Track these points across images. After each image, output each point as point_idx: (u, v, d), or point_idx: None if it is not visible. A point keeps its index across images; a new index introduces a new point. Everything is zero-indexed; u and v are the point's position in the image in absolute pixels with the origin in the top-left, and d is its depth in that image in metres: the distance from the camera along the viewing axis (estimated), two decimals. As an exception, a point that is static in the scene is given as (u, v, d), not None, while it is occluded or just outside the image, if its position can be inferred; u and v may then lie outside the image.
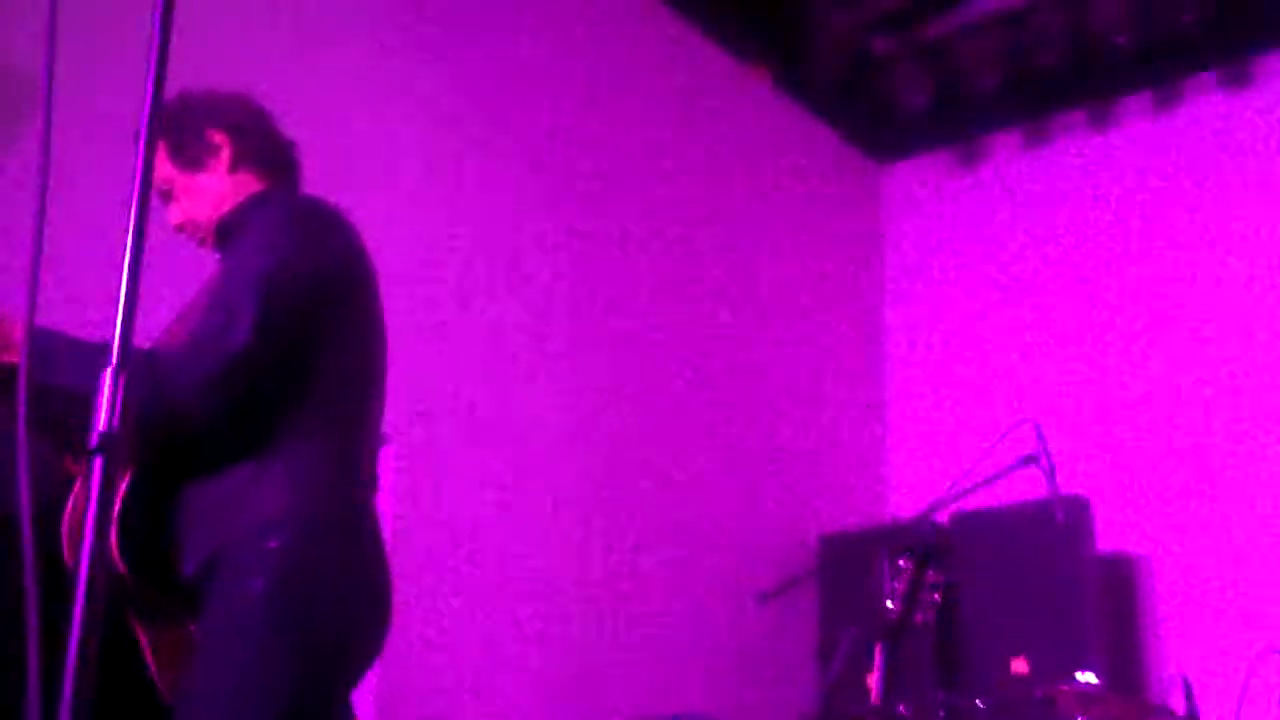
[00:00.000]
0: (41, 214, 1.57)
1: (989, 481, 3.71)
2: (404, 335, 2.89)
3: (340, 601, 2.37)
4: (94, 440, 1.53)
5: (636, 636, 5.09)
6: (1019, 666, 4.61)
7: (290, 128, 2.77)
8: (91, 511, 1.50)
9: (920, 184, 6.86)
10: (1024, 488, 4.36)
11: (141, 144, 1.58)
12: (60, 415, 1.86)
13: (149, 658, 2.50)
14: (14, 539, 1.51)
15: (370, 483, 2.53)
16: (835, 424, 6.33)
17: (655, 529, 5.28)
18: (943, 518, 4.87)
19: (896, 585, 2.73)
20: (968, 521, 5.10)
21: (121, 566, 2.34)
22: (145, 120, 1.58)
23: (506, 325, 5.04)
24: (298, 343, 2.42)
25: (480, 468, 4.80)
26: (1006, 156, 6.59)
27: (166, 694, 2.46)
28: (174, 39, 1.62)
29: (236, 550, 2.33)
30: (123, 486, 2.37)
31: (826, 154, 6.73)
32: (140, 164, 1.57)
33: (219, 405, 2.34)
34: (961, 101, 6.32)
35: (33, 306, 1.65)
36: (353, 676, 2.46)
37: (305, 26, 4.50)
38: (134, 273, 1.56)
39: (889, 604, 2.73)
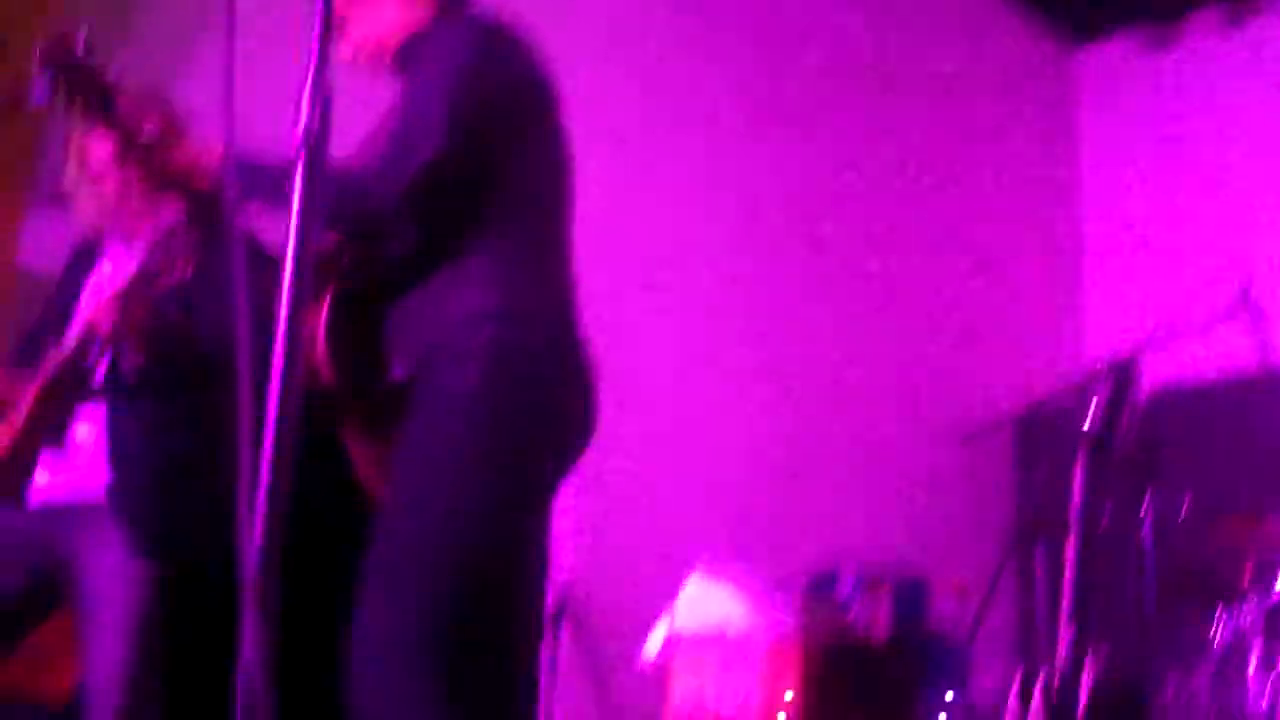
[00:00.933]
0: (230, 36, 1.57)
1: (1194, 332, 3.66)
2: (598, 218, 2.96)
3: (551, 389, 2.37)
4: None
5: (842, 480, 5.33)
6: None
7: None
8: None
9: (1115, 65, 6.77)
10: (1223, 359, 4.35)
11: None
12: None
13: (361, 472, 2.53)
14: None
15: (571, 282, 2.52)
16: (1032, 301, 6.38)
17: (865, 381, 5.50)
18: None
19: (1096, 401, 2.83)
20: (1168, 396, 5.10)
21: (331, 375, 2.38)
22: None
23: (698, 203, 5.24)
24: (489, 145, 2.40)
25: (676, 328, 5.04)
26: (1204, 34, 6.47)
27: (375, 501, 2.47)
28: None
29: (446, 346, 2.34)
30: (327, 301, 2.41)
31: (1019, 37, 6.70)
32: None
33: (417, 207, 2.35)
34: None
35: (232, 133, 1.63)
36: (562, 466, 2.45)
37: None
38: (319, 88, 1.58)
39: (1088, 420, 2.84)
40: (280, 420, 1.51)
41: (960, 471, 5.56)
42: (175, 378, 3.02)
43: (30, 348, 3.16)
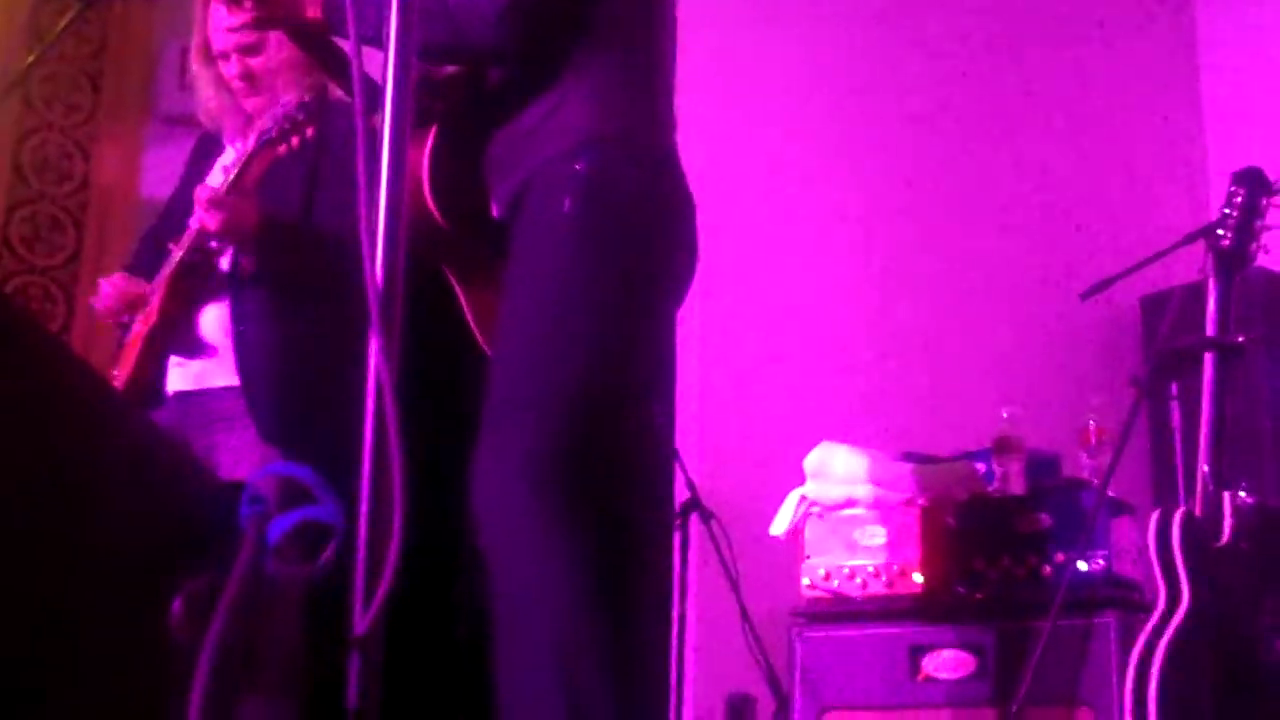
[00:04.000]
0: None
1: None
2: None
3: (648, 216, 2.35)
4: None
5: (971, 351, 5.33)
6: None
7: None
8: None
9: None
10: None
11: None
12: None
13: (470, 318, 2.53)
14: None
15: (671, 108, 2.48)
16: (1153, 175, 6.25)
17: (990, 252, 5.53)
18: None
19: (1230, 214, 2.76)
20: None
21: (437, 214, 2.37)
22: None
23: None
24: None
25: (802, 206, 5.04)
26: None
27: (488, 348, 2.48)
28: None
29: (543, 176, 2.32)
30: (429, 141, 2.39)
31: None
32: None
33: (517, 31, 2.31)
34: None
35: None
36: (669, 289, 2.43)
37: None
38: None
39: (1221, 233, 2.77)
40: (388, 274, 1.48)
41: (1089, 327, 5.49)
42: (293, 269, 3.07)
43: (157, 243, 3.23)
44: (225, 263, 3.11)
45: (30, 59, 3.66)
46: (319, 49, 2.58)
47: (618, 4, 2.42)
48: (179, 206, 3.23)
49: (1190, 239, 3.12)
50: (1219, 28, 6.53)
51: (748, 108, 5.12)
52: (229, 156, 3.17)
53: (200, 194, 2.94)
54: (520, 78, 2.40)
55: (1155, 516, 2.99)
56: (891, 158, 5.43)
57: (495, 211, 2.42)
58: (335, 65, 2.63)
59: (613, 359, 2.29)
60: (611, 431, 2.27)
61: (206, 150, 3.32)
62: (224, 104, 3.19)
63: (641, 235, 2.32)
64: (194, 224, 3.00)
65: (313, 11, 2.39)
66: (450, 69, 2.52)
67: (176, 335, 3.10)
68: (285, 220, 3.06)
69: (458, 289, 2.53)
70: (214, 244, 3.04)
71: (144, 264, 3.26)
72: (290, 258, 3.07)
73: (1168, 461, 3.64)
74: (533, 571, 2.13)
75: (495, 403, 2.23)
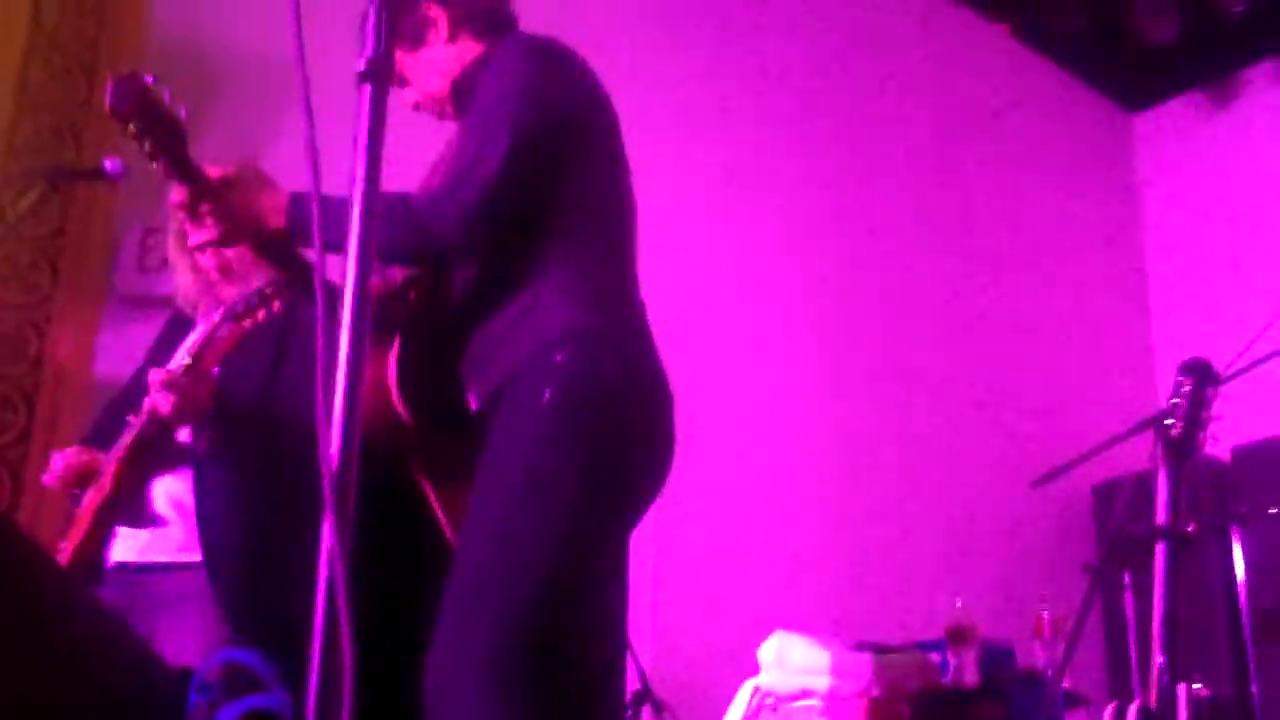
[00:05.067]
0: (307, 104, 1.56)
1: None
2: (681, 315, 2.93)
3: (627, 409, 2.34)
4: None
5: (924, 543, 5.33)
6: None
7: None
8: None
9: (1174, 125, 6.82)
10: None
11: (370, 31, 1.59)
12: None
13: (440, 513, 2.50)
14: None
15: (640, 302, 2.50)
16: (1102, 368, 6.36)
17: (940, 438, 5.57)
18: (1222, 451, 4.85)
19: (1179, 404, 2.80)
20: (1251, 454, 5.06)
21: (405, 412, 2.37)
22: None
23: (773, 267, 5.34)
24: (550, 167, 2.40)
25: (753, 395, 5.09)
26: (1262, 87, 6.50)
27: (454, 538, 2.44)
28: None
29: (522, 371, 2.32)
30: (396, 342, 2.41)
31: (1076, 103, 6.79)
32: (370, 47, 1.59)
33: (481, 234, 2.36)
34: (1211, 33, 6.18)
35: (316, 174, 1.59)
36: (643, 490, 2.41)
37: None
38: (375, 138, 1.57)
39: (1170, 422, 2.81)
40: (343, 458, 1.47)
41: (1041, 517, 5.52)
42: (252, 447, 3.06)
43: (116, 416, 3.21)
44: (184, 434, 3.09)
45: (-10, 240, 3.67)
46: (278, 255, 2.61)
47: (583, 198, 2.46)
48: (143, 381, 3.23)
49: (1139, 428, 3.16)
50: (1165, 226, 6.72)
51: (701, 286, 5.19)
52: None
53: (154, 376, 2.93)
54: (492, 275, 2.43)
55: (1110, 710, 2.96)
56: (849, 346, 5.50)
57: (474, 405, 2.43)
58: (294, 269, 2.65)
59: (576, 557, 2.28)
60: (569, 626, 2.25)
61: (176, 329, 3.33)
62: (200, 289, 3.22)
63: (619, 431, 2.33)
64: (147, 405, 2.99)
65: (275, 221, 2.40)
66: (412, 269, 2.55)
67: (130, 506, 3.07)
68: (243, 402, 3.06)
69: (426, 483, 2.51)
70: (161, 428, 3.02)
71: (102, 435, 3.24)
72: (248, 439, 3.06)
73: (1122, 652, 3.65)
74: None
75: (456, 592, 2.21)
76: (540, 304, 2.37)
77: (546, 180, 2.41)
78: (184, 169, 2.44)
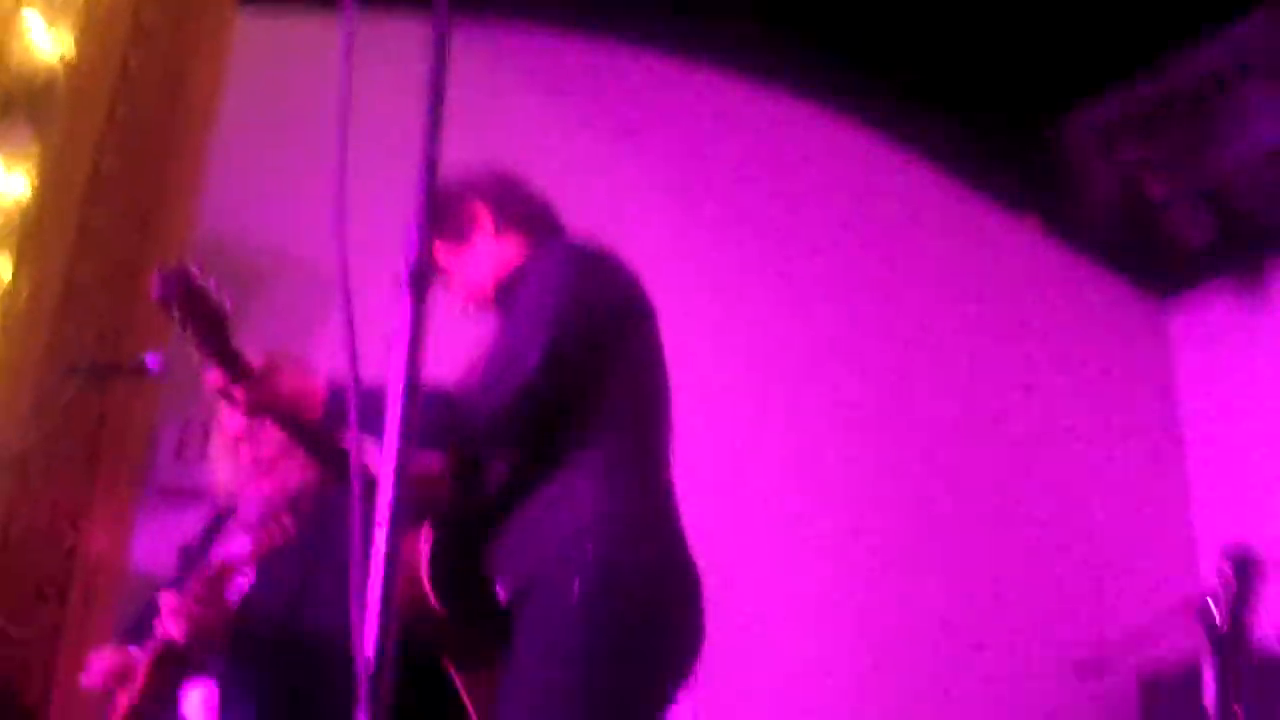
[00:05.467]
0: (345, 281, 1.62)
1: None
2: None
3: (659, 601, 2.35)
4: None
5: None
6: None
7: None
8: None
9: (1208, 318, 6.81)
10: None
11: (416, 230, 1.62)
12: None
13: (468, 703, 2.50)
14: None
15: (672, 494, 2.52)
16: (1145, 565, 6.27)
17: (978, 619, 5.51)
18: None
19: (1222, 598, 2.75)
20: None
21: (436, 604, 2.39)
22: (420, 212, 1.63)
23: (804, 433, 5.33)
24: (585, 370, 2.45)
25: (784, 561, 5.03)
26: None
27: None
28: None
29: (551, 562, 2.34)
30: (426, 532, 2.44)
31: (1108, 296, 6.81)
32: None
33: (511, 433, 2.41)
34: (1244, 237, 6.24)
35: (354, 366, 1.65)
36: (673, 680, 2.41)
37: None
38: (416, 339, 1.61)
39: (1215, 616, 2.75)
40: (379, 656, 1.47)
41: (1086, 711, 5.38)
42: (275, 668, 3.03)
43: (154, 611, 3.19)
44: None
45: (31, 437, 3.71)
46: (313, 445, 2.63)
47: (616, 395, 2.50)
48: (185, 574, 3.22)
49: (1182, 615, 3.10)
50: (1202, 404, 6.68)
51: (729, 449, 5.17)
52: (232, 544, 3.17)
53: (165, 601, 2.92)
54: (523, 466, 2.45)
55: None
56: (887, 542, 5.45)
57: (503, 595, 2.43)
58: (329, 459, 2.67)
59: None
60: None
61: (221, 521, 3.33)
62: (239, 483, 3.22)
63: (648, 621, 2.33)
64: (159, 632, 2.97)
65: (312, 410, 2.45)
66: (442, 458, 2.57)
67: (159, 712, 3.04)
68: (266, 622, 3.04)
69: (456, 675, 2.51)
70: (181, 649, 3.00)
71: (140, 629, 3.22)
72: (270, 660, 3.04)
73: None
74: None
75: None
76: (570, 493, 2.39)
77: (580, 382, 2.45)
78: (226, 356, 2.48)
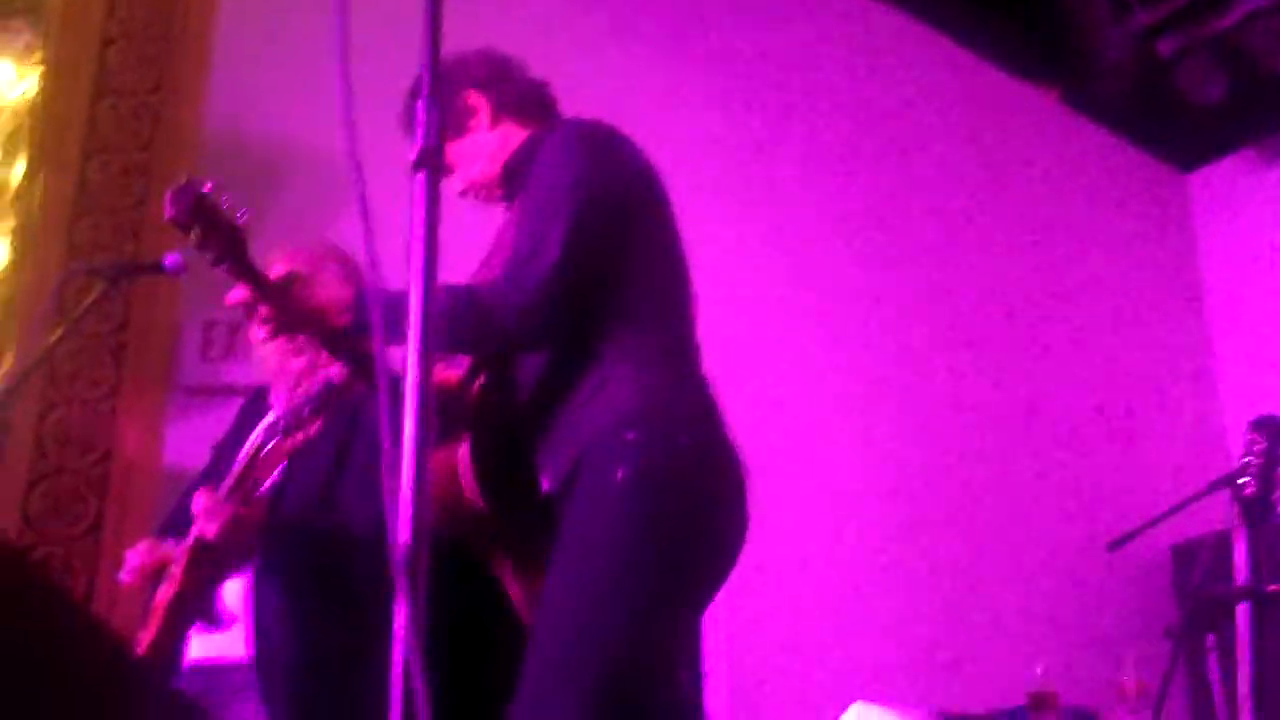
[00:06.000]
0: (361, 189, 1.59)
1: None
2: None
3: (703, 487, 2.32)
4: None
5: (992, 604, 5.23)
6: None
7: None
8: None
9: (1229, 185, 6.74)
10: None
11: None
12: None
13: (516, 597, 2.48)
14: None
15: (705, 378, 2.48)
16: (1172, 428, 6.26)
17: (1010, 501, 5.53)
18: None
19: (1251, 462, 2.74)
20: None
21: (482, 500, 2.36)
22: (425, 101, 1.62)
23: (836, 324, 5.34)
24: (607, 252, 2.41)
25: (825, 458, 5.05)
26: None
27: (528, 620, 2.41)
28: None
29: (595, 450, 2.31)
30: (468, 435, 2.38)
31: (1126, 167, 6.72)
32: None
33: (542, 325, 2.35)
34: (1259, 90, 6.10)
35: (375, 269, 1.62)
36: (716, 565, 2.38)
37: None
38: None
39: (1244, 481, 2.74)
40: (413, 546, 1.47)
41: (1120, 580, 5.41)
42: (307, 562, 3.06)
43: (190, 507, 3.22)
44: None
45: (55, 336, 3.72)
46: (343, 349, 2.60)
47: (643, 276, 2.46)
48: (220, 465, 3.23)
49: (1213, 488, 3.09)
50: (1225, 276, 6.63)
51: (768, 348, 5.17)
52: (269, 419, 3.18)
53: (198, 502, 2.93)
54: (559, 358, 2.42)
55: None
56: (918, 419, 5.45)
57: (546, 486, 2.41)
58: (359, 361, 2.63)
59: (653, 637, 2.26)
60: (647, 705, 2.22)
61: (256, 408, 3.34)
62: (274, 364, 3.22)
63: (694, 509, 2.30)
64: (193, 531, 2.99)
65: (340, 318, 2.43)
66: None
67: (199, 604, 3.07)
68: (298, 516, 3.06)
69: (500, 567, 2.49)
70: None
71: (176, 524, 3.25)
72: (303, 554, 3.05)
73: (1208, 716, 3.52)
74: None
75: (533, 674, 2.20)
76: (610, 383, 2.36)
77: (605, 265, 2.41)
78: (246, 272, 2.46)
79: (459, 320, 2.32)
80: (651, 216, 2.52)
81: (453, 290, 2.32)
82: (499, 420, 2.45)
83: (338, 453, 3.10)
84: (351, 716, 2.80)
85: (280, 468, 3.02)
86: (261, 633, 2.99)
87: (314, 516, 3.07)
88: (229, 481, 2.96)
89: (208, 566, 3.04)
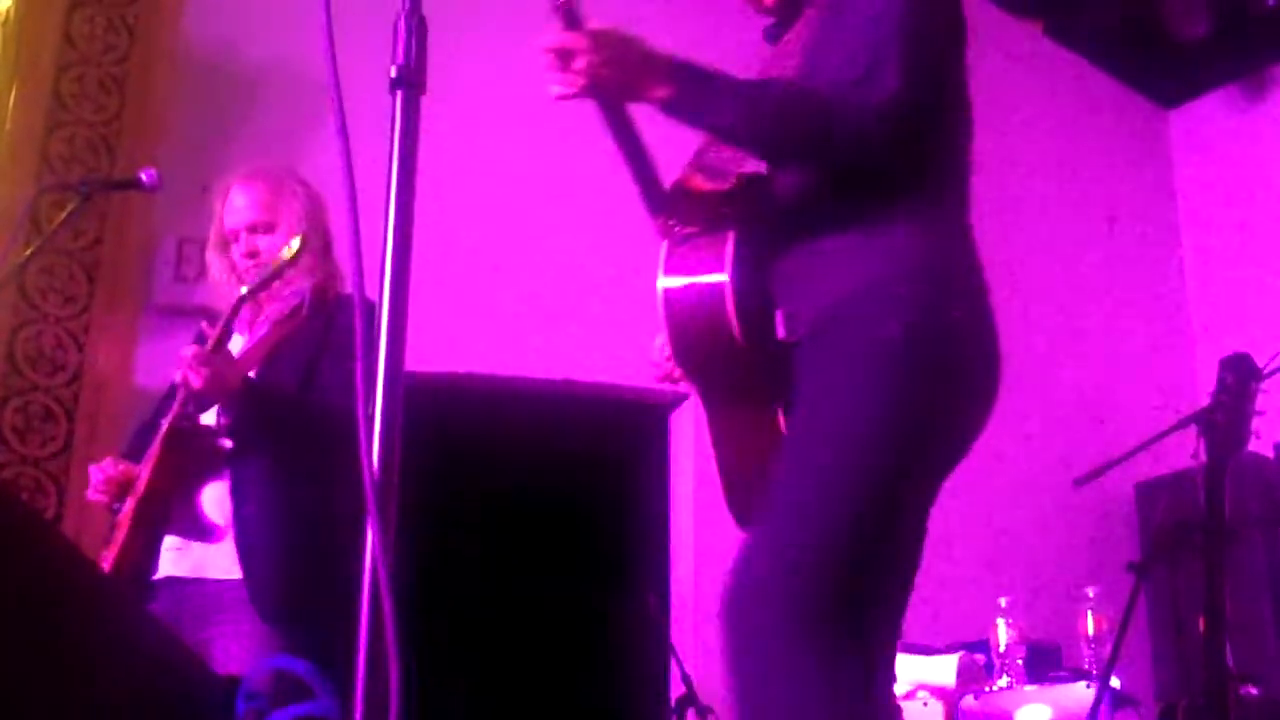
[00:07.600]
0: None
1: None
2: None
3: (969, 357, 2.23)
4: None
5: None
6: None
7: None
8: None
9: (1209, 122, 6.75)
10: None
11: None
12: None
13: (713, 436, 2.35)
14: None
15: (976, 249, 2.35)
16: (1142, 365, 6.30)
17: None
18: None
19: (1222, 399, 2.76)
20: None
21: (739, 334, 2.20)
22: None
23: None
24: (938, 91, 2.27)
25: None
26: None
27: (732, 482, 2.33)
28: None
29: (862, 299, 2.18)
30: (730, 254, 2.22)
31: (1109, 102, 6.72)
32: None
33: (894, 129, 2.16)
34: (1243, 25, 6.05)
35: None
36: (964, 441, 2.28)
37: None
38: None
39: (1215, 416, 2.77)
40: (385, 464, 1.47)
41: (1084, 515, 5.47)
42: (287, 441, 3.07)
43: (151, 428, 3.21)
44: (228, 442, 3.08)
45: (27, 251, 3.69)
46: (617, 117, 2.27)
47: (949, 143, 2.35)
48: (175, 393, 3.22)
49: (1183, 424, 3.12)
50: (1201, 214, 6.66)
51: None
52: (236, 343, 3.17)
53: (185, 353, 2.94)
54: (832, 189, 2.26)
55: (1160, 711, 2.93)
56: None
57: (782, 331, 2.25)
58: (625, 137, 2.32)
59: (898, 495, 2.20)
60: (875, 566, 2.19)
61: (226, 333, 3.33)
62: (234, 290, 3.21)
63: (958, 377, 2.21)
64: (178, 379, 2.98)
65: (659, 90, 2.16)
66: (745, 174, 2.34)
67: (168, 511, 3.06)
68: (275, 387, 3.07)
69: (710, 406, 2.35)
70: (194, 406, 3.02)
71: (138, 449, 3.24)
72: (279, 426, 3.06)
73: (1168, 651, 3.60)
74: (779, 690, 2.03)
75: (771, 521, 2.16)
76: (890, 232, 2.22)
77: (931, 108, 2.25)
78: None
79: (800, 117, 2.15)
80: (961, 58, 2.38)
81: (787, 86, 2.19)
82: (754, 248, 2.25)
83: (311, 357, 3.11)
84: (337, 604, 2.81)
85: (262, 335, 3.02)
86: (243, 523, 2.99)
87: (291, 401, 3.08)
88: (210, 342, 2.97)
89: (180, 453, 3.04)
